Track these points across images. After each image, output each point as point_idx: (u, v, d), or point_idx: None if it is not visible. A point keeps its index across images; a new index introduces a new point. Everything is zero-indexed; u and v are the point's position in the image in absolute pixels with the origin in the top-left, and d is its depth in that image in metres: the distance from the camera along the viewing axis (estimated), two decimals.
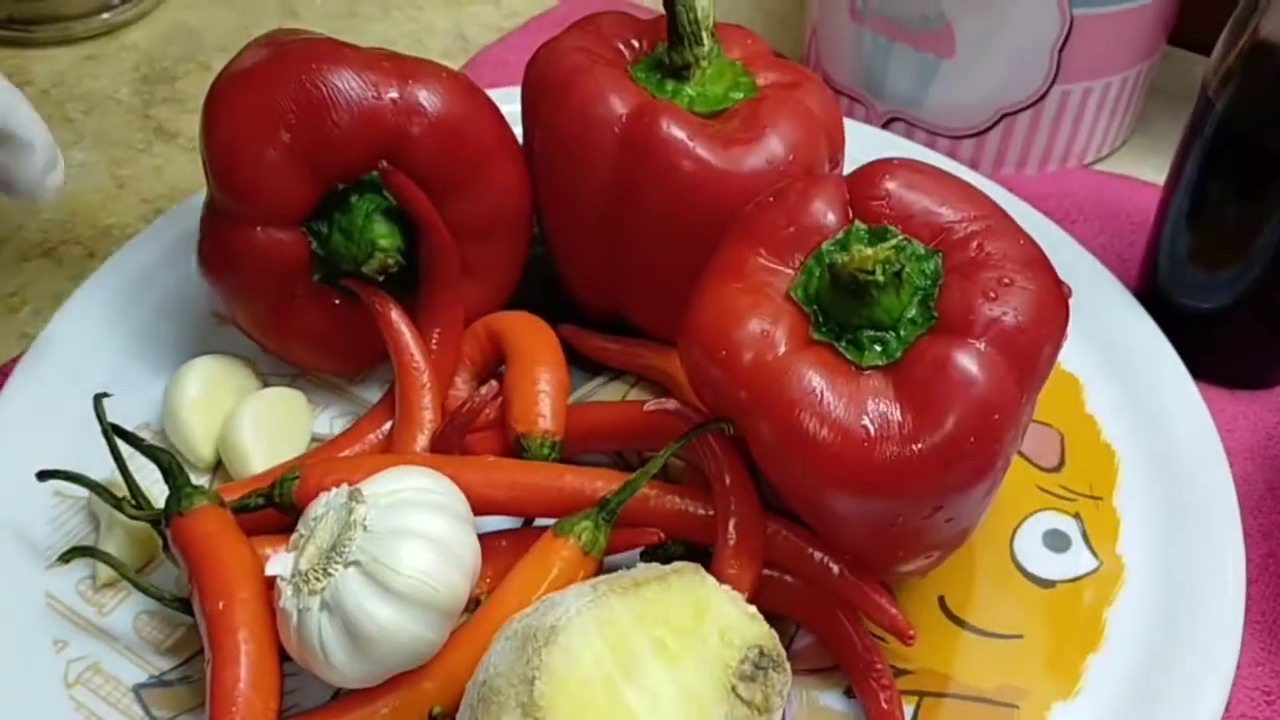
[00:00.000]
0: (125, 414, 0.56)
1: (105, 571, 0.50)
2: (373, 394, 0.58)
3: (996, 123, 0.71)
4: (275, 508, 0.48)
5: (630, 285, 0.56)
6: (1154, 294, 0.62)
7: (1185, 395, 0.57)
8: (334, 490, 0.44)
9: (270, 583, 0.44)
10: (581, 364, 0.59)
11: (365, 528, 0.42)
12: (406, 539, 0.42)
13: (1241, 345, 0.61)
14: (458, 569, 0.42)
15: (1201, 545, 0.52)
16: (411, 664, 0.43)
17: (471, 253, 0.55)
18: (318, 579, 0.42)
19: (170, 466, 0.47)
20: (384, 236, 0.52)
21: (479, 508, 0.47)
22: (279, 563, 0.43)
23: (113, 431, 0.48)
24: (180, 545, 0.46)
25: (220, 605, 0.44)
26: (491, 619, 0.44)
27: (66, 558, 0.47)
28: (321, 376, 0.59)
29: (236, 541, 0.46)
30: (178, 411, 0.54)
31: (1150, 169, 0.74)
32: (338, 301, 0.55)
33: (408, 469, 0.45)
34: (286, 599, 0.42)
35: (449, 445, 0.51)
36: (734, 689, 0.37)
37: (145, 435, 0.55)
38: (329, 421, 0.57)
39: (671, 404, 0.47)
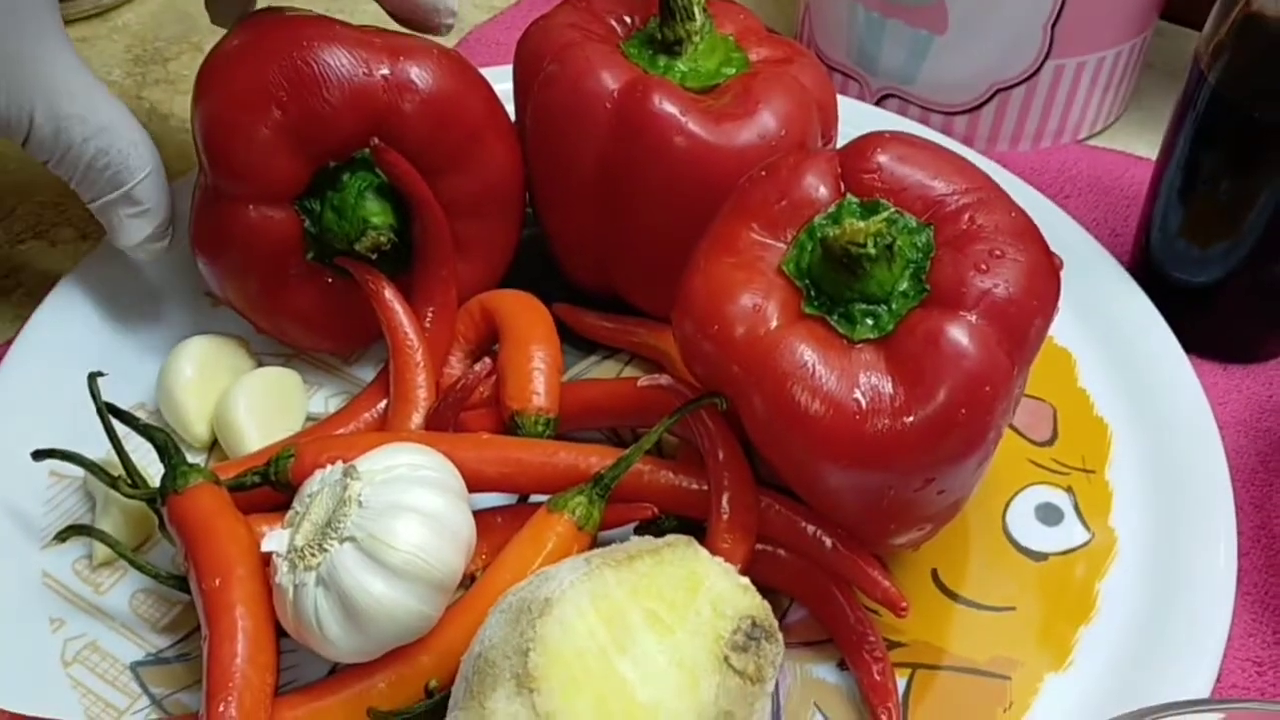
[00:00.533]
0: (120, 395, 0.56)
1: (102, 550, 0.50)
2: (367, 373, 0.58)
3: (990, 98, 0.71)
4: (271, 486, 0.48)
5: (624, 262, 0.56)
6: (1147, 268, 0.62)
7: (1177, 369, 0.57)
8: (329, 467, 0.44)
9: (266, 560, 0.44)
10: (576, 342, 0.59)
11: (360, 504, 0.42)
12: (401, 515, 0.42)
13: (1234, 319, 0.61)
14: (452, 544, 0.43)
15: (1194, 517, 0.52)
16: (407, 638, 0.43)
17: (464, 231, 0.55)
18: (313, 555, 0.42)
19: (165, 445, 0.47)
20: (376, 214, 0.52)
21: (473, 484, 0.47)
22: (275, 539, 0.43)
23: (108, 410, 0.48)
24: (176, 523, 0.46)
25: (217, 582, 0.44)
26: (486, 594, 0.44)
27: (63, 536, 0.47)
28: (316, 356, 0.59)
29: (232, 519, 0.46)
30: (172, 391, 0.54)
31: (1144, 144, 0.74)
32: (331, 280, 0.55)
33: (402, 446, 0.45)
34: (282, 575, 0.42)
35: (443, 423, 0.51)
36: (726, 659, 0.37)
37: (141, 415, 0.55)
38: (324, 401, 0.57)
39: (665, 379, 0.47)
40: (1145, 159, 0.72)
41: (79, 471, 0.52)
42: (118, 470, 0.48)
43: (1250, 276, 0.58)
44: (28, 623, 0.48)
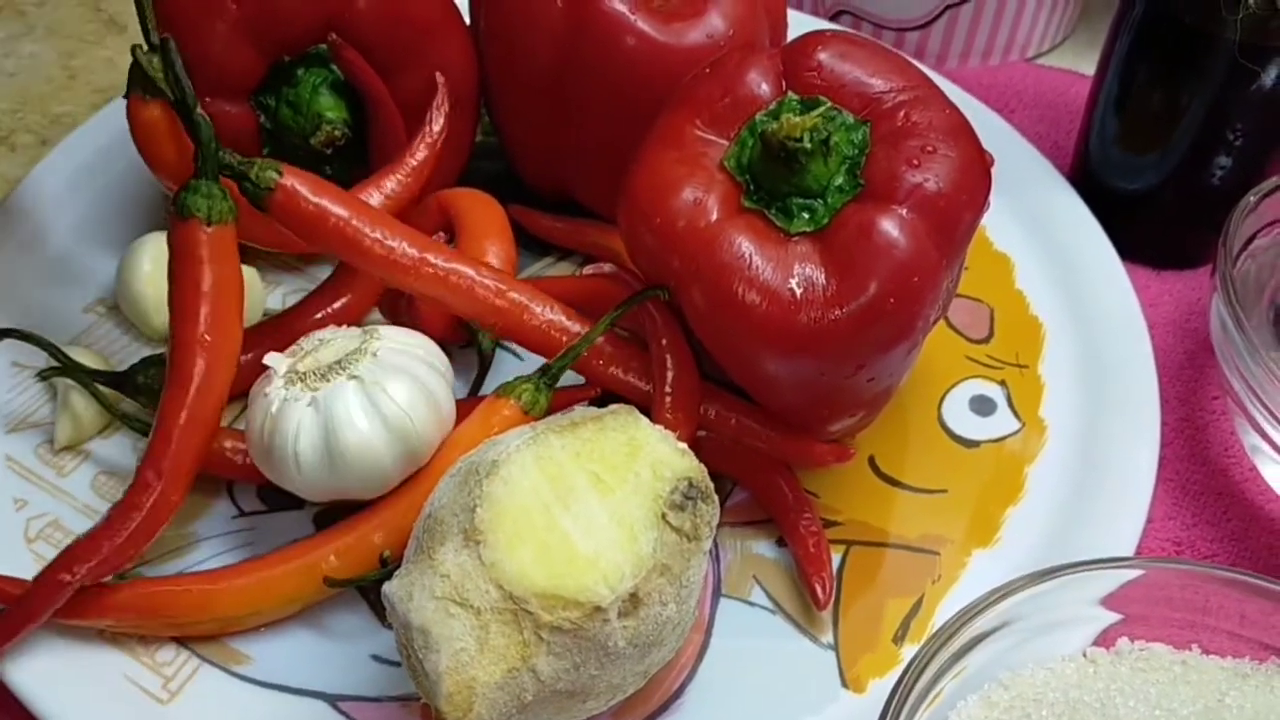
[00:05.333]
0: (79, 292, 0.57)
1: (62, 435, 0.51)
2: (325, 271, 0.59)
3: (940, 14, 0.72)
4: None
5: (576, 162, 0.58)
6: (1085, 177, 0.64)
7: (1110, 270, 0.59)
8: (345, 326, 0.47)
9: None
10: (530, 244, 0.60)
11: (376, 356, 0.45)
12: (407, 379, 0.45)
13: (1166, 225, 0.63)
14: (437, 420, 0.45)
15: (1121, 409, 0.54)
16: (359, 490, 0.45)
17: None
18: (316, 380, 0.44)
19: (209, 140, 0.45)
20: (331, 109, 0.53)
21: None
22: (276, 358, 0.45)
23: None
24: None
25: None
26: (436, 472, 0.46)
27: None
28: (274, 254, 0.60)
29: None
30: (131, 285, 0.55)
31: (1089, 64, 0.75)
32: None
33: (421, 336, 0.47)
34: (273, 387, 0.44)
35: (397, 306, 0.52)
36: (664, 517, 0.39)
37: (99, 312, 0.57)
38: (282, 298, 0.58)
39: (607, 267, 0.49)
40: (1089, 77, 0.73)
41: (40, 363, 0.53)
42: (78, 356, 0.50)
43: (1182, 183, 0.61)
44: None
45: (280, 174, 0.46)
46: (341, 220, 0.46)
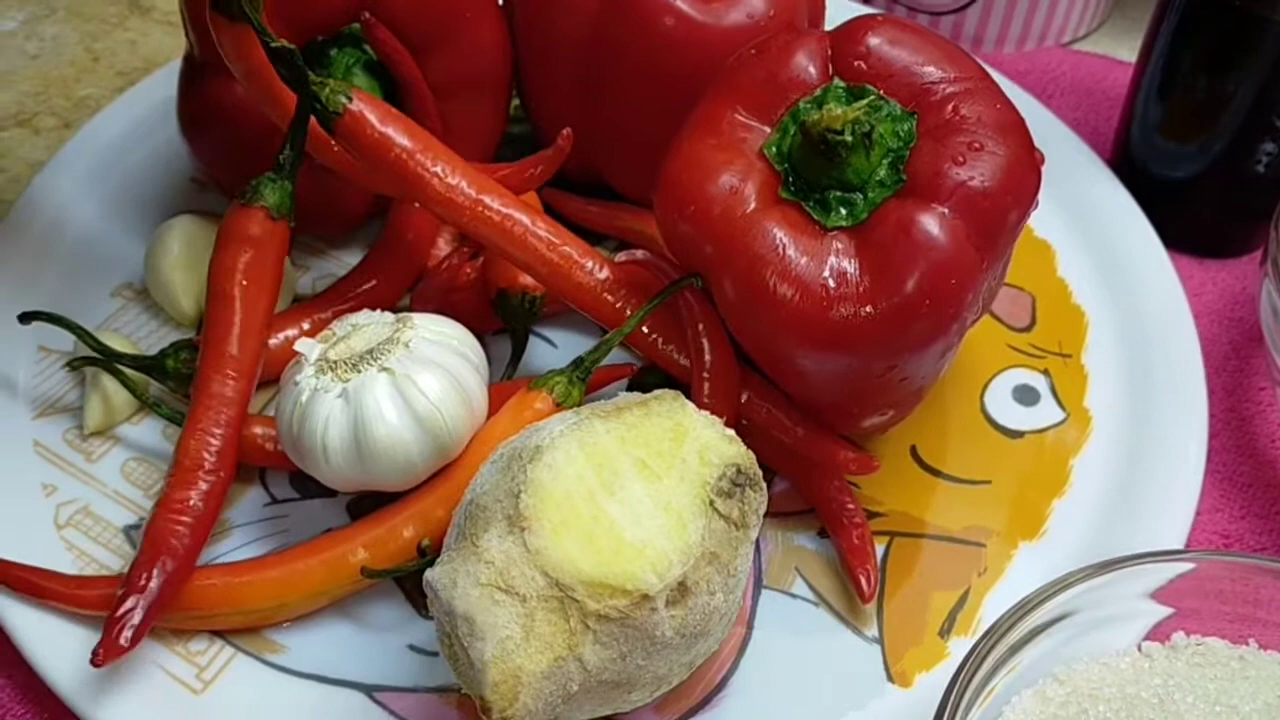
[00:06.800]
0: (106, 276, 0.56)
1: (92, 420, 0.50)
2: (354, 257, 0.58)
3: None
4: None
5: (610, 145, 0.57)
6: (1127, 165, 0.63)
7: (1154, 258, 0.58)
8: (379, 310, 0.46)
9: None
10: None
11: (408, 347, 0.44)
12: (440, 372, 0.44)
13: (1211, 214, 0.62)
14: (469, 417, 0.45)
15: (1167, 399, 0.53)
16: (386, 483, 0.44)
17: (451, 112, 0.55)
18: (346, 370, 0.43)
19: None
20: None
21: None
22: (307, 344, 0.44)
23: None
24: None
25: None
26: (467, 466, 0.45)
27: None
28: (303, 239, 0.59)
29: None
30: (160, 267, 0.54)
31: (1126, 50, 0.74)
32: (320, 162, 0.55)
33: (454, 324, 0.46)
34: (304, 376, 0.43)
35: (429, 302, 0.51)
36: (712, 504, 0.38)
37: (127, 296, 0.56)
38: (311, 283, 0.57)
39: (640, 254, 0.48)
40: (1127, 63, 0.72)
41: (67, 346, 0.52)
42: (106, 341, 0.49)
43: (1226, 171, 0.59)
44: (19, 488, 0.49)
45: (350, 99, 0.45)
46: (404, 152, 0.46)
